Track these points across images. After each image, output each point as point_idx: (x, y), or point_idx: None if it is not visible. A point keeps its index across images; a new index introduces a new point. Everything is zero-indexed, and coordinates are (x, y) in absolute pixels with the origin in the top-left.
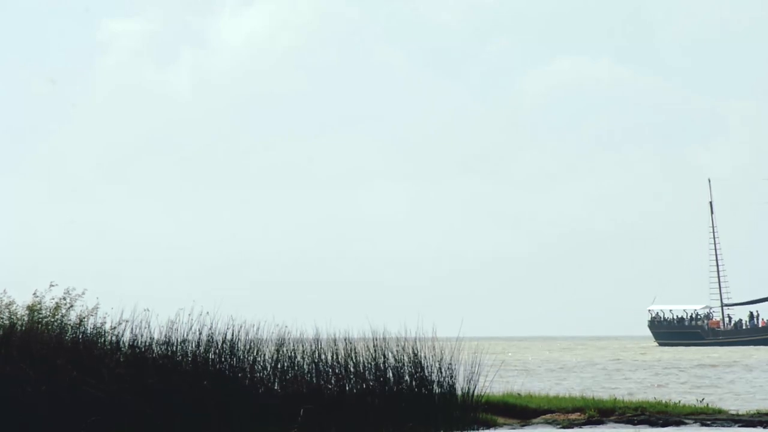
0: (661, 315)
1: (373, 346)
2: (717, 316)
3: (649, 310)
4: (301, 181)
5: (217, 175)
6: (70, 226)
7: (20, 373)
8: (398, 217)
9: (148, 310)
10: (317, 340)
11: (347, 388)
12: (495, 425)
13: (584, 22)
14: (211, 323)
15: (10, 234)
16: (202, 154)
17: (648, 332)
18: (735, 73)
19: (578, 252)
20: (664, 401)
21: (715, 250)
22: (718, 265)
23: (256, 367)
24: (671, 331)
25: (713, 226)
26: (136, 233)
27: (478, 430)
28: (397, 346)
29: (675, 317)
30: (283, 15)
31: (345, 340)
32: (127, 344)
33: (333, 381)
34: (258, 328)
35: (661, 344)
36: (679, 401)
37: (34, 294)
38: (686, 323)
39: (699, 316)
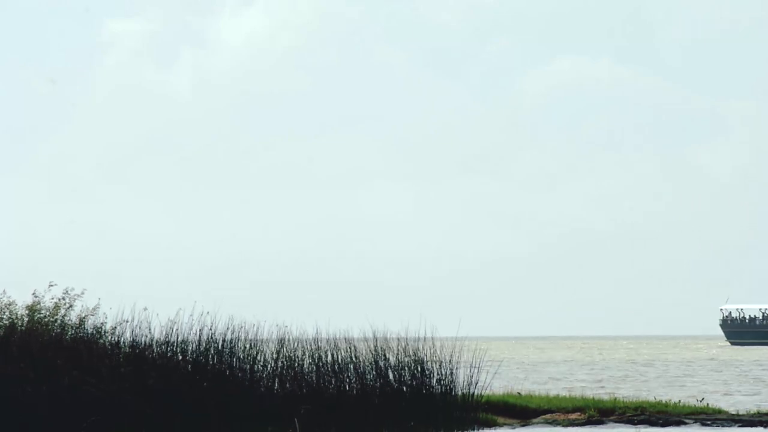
0: (735, 314)
1: (374, 346)
2: None
3: (721, 310)
4: (301, 181)
5: (217, 175)
6: (70, 226)
7: (20, 373)
8: (398, 217)
9: (147, 309)
10: (317, 340)
11: (347, 388)
12: (495, 425)
13: (584, 22)
14: (211, 323)
15: (10, 234)
16: (202, 154)
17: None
18: (735, 73)
19: (578, 252)
20: (664, 401)
21: None
22: None
23: (256, 367)
24: (743, 331)
25: None
26: (136, 233)
27: (478, 430)
28: (398, 346)
29: (747, 317)
30: (283, 15)
31: (345, 340)
32: (127, 344)
33: (333, 381)
34: (258, 328)
35: (733, 344)
36: (679, 401)
37: (33, 294)
38: (757, 323)
39: None
